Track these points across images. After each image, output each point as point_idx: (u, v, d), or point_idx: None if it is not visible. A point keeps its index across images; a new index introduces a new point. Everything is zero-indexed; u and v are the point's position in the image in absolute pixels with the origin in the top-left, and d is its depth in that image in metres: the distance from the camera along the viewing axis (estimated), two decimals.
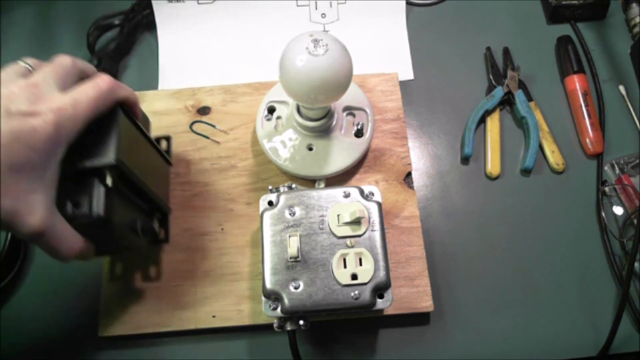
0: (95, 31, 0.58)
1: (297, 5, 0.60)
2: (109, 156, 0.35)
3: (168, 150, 0.52)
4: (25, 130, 0.29)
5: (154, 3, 0.58)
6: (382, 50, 0.60)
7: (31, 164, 0.30)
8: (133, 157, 0.39)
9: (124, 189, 0.39)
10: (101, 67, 0.56)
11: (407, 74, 0.59)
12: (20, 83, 0.31)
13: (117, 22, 0.58)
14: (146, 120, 0.47)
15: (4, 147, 0.28)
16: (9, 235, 0.48)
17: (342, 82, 0.41)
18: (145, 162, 0.44)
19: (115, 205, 0.37)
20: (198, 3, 0.59)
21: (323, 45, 0.40)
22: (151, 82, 0.58)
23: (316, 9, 0.61)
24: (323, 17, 0.61)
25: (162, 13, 0.59)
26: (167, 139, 0.52)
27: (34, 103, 0.31)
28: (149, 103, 0.54)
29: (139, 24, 0.60)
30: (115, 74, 0.57)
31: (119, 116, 0.37)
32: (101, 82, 0.35)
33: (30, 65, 0.34)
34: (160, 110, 0.54)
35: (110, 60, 0.57)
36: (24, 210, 0.30)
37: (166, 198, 0.49)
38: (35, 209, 0.31)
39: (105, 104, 0.35)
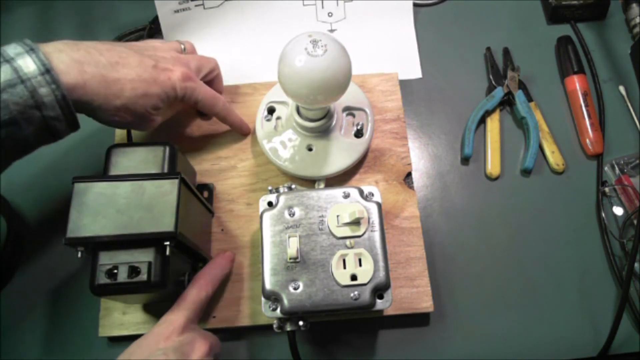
0: None
1: (304, 5, 0.60)
2: (169, 227, 0.37)
3: (210, 199, 0.50)
4: (162, 78, 0.43)
5: (159, 15, 0.57)
6: (389, 48, 0.60)
7: (158, 96, 0.43)
8: (187, 222, 0.40)
9: (178, 252, 0.41)
10: None
11: (415, 72, 0.59)
12: (172, 53, 0.46)
13: (134, 39, 0.58)
14: (193, 173, 0.49)
15: (146, 84, 0.42)
16: (9, 235, 0.48)
17: (341, 82, 0.41)
18: (195, 221, 0.44)
19: (170, 270, 0.39)
20: (204, 8, 0.59)
21: (322, 46, 0.40)
22: None
23: (322, 7, 0.60)
24: (330, 16, 0.61)
25: (168, 24, 0.58)
26: (209, 188, 0.51)
27: (174, 67, 0.44)
28: None
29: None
30: None
31: (180, 189, 0.39)
32: (221, 101, 0.49)
33: (184, 47, 0.49)
34: None
35: None
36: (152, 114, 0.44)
37: (208, 248, 0.48)
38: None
39: (205, 107, 0.48)
